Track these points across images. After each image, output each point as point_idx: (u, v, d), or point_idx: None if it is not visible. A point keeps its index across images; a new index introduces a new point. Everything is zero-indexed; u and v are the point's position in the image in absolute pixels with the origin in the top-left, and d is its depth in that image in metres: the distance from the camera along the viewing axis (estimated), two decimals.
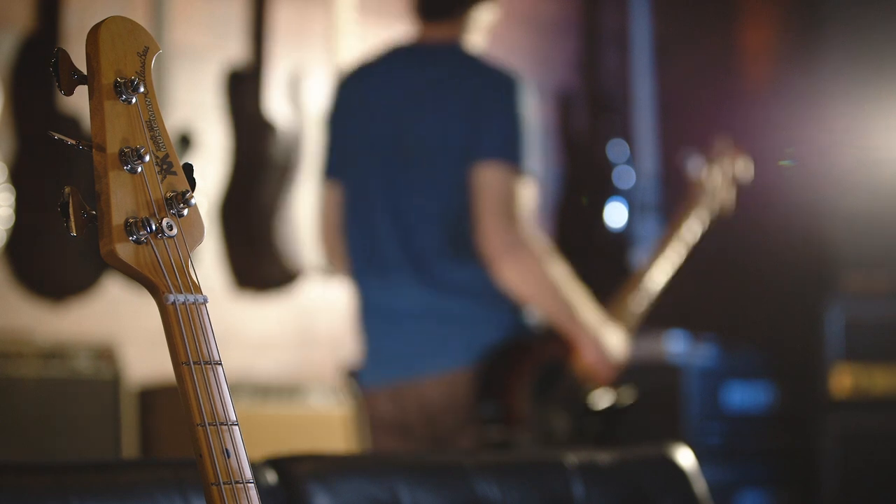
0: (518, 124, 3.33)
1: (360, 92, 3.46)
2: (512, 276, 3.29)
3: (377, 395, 3.40)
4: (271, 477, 2.15)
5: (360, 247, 3.43)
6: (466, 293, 3.35)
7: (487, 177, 3.29)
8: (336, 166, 3.47)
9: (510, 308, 3.37)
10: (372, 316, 3.42)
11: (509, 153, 3.30)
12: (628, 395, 3.50)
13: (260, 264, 4.68)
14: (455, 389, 3.33)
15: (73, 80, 1.47)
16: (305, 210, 4.70)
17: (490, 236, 3.27)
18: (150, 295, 1.48)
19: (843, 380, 5.53)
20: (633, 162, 5.90)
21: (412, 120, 3.38)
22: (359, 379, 3.48)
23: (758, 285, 5.85)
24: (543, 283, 3.31)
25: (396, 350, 3.37)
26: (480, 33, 3.48)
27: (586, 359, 3.41)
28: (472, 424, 3.32)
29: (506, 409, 3.35)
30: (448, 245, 3.35)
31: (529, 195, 3.34)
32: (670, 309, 4.30)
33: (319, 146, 3.60)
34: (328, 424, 4.60)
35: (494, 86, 3.35)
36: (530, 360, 3.40)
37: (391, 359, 3.38)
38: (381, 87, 3.43)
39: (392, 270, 3.37)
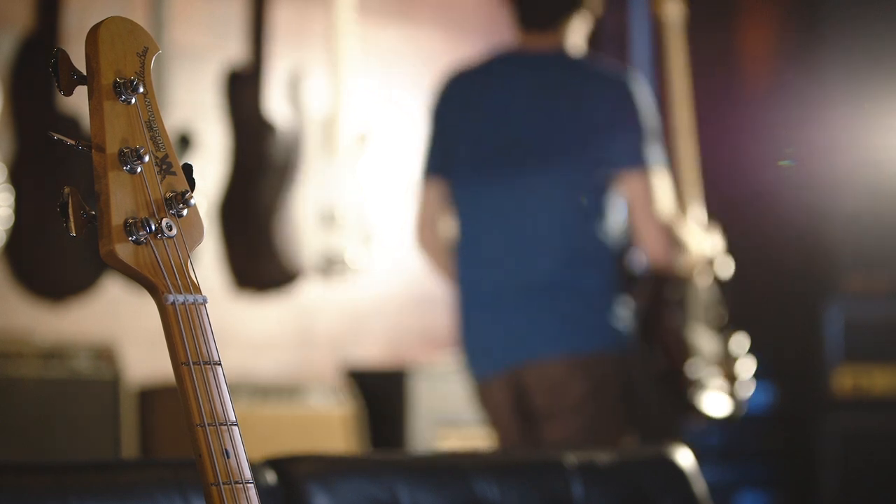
0: (644, 123, 3.58)
1: (467, 94, 3.65)
2: (668, 262, 3.69)
3: (494, 383, 3.60)
4: (271, 477, 2.15)
5: (470, 244, 3.60)
6: (578, 293, 3.56)
7: (633, 186, 3.59)
8: (440, 165, 3.64)
9: (615, 307, 3.63)
10: (483, 306, 3.58)
11: (644, 155, 3.58)
12: (727, 268, 4.07)
13: (259, 264, 4.68)
14: (584, 372, 3.57)
15: (72, 80, 1.47)
16: (305, 210, 4.70)
17: (651, 243, 3.62)
18: (149, 295, 1.49)
19: (843, 380, 5.53)
20: None
21: (532, 124, 3.59)
22: (474, 371, 3.64)
23: (758, 285, 5.85)
24: (676, 251, 3.67)
25: (509, 338, 3.58)
26: (577, 39, 3.67)
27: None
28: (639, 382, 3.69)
29: (667, 347, 3.80)
30: (566, 245, 3.57)
31: (665, 183, 3.62)
32: None
33: (422, 145, 3.74)
34: (328, 424, 4.60)
35: (615, 90, 3.59)
36: (662, 302, 3.84)
37: (506, 347, 3.58)
38: (493, 90, 3.62)
39: (506, 269, 3.57)
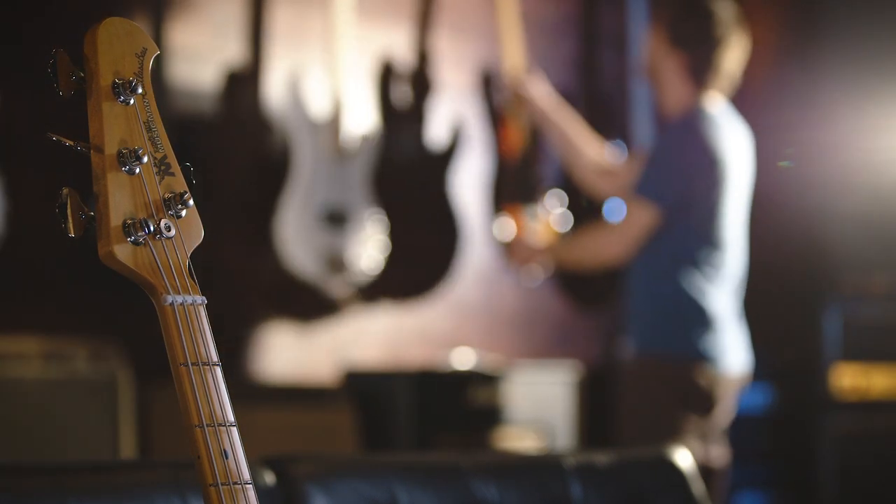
0: None
1: (707, 142, 3.96)
2: None
3: (731, 379, 4.03)
4: (269, 478, 2.15)
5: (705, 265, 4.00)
6: None
7: None
8: (674, 201, 3.90)
9: None
10: (721, 315, 4.02)
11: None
12: None
13: (259, 264, 4.68)
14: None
15: (71, 81, 1.47)
16: (305, 210, 4.70)
17: None
18: (149, 295, 1.49)
19: (842, 380, 5.54)
20: None
21: (745, 166, 4.05)
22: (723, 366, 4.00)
23: (756, 286, 5.85)
24: None
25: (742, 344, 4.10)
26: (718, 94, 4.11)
27: None
28: None
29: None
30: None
31: None
32: None
33: (659, 178, 3.98)
34: (327, 425, 4.60)
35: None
36: None
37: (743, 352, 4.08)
38: (719, 141, 3.98)
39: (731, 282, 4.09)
